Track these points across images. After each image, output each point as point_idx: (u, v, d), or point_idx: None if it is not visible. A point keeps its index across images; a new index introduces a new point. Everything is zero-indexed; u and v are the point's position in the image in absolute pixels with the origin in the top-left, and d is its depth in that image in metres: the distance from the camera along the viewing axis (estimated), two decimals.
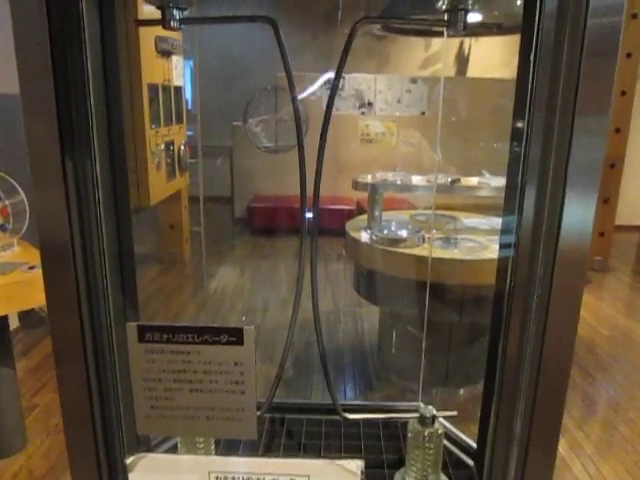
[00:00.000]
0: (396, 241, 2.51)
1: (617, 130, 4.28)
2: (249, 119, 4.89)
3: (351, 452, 1.16)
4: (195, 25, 1.11)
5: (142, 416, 0.82)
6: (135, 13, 2.53)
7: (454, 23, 0.84)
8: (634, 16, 4.02)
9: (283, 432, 1.23)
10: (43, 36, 0.75)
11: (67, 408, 0.91)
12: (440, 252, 2.42)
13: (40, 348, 3.19)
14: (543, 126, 0.80)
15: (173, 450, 1.08)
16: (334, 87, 0.99)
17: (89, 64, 0.77)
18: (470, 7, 0.82)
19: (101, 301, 0.89)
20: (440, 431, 1.03)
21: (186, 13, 0.90)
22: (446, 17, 0.85)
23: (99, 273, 0.89)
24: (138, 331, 0.78)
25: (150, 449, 1.09)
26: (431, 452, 1.03)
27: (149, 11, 1.00)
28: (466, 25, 0.84)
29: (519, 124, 0.87)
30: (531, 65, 0.79)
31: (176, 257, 4.65)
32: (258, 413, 1.08)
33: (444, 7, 0.83)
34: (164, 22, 0.84)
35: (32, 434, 2.44)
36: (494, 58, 5.71)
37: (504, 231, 0.96)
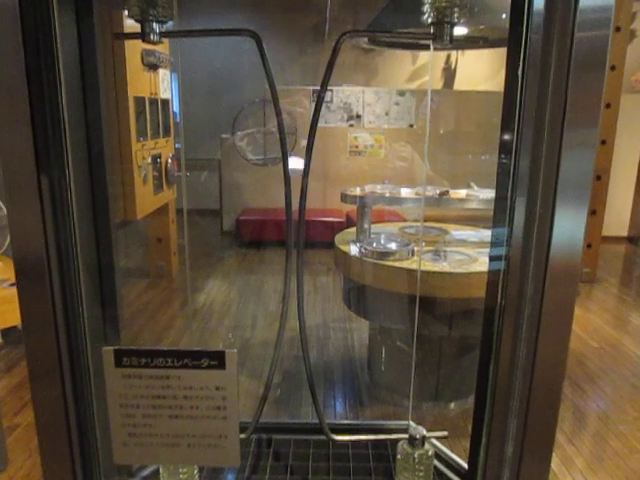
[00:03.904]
0: (385, 254, 2.49)
1: (603, 142, 4.32)
2: (237, 132, 4.88)
3: (340, 474, 1.13)
4: (179, 38, 1.09)
5: (119, 444, 0.78)
6: (121, 27, 2.52)
7: (440, 36, 0.83)
8: (618, 29, 4.08)
9: (270, 453, 1.20)
10: (17, 48, 0.72)
11: (43, 433, 0.87)
12: (429, 265, 2.41)
13: (23, 366, 3.11)
14: (532, 139, 0.79)
15: (155, 476, 1.05)
16: (320, 99, 0.97)
17: (62, 77, 0.75)
18: (456, 20, 0.81)
19: (78, 320, 0.86)
20: (430, 452, 1.01)
21: (168, 26, 0.88)
22: (432, 30, 0.84)
23: (76, 290, 0.86)
24: (115, 355, 0.75)
25: (131, 475, 1.05)
26: (421, 474, 1.01)
27: (133, 24, 0.98)
28: (452, 38, 0.83)
29: (507, 137, 0.86)
30: (519, 78, 0.78)
31: (163, 271, 4.59)
32: (244, 435, 1.05)
33: (430, 20, 0.82)
34: (144, 35, 0.82)
35: (13, 454, 2.36)
36: (481, 71, 5.77)
37: (494, 244, 0.95)
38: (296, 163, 1.06)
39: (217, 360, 0.74)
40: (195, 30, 0.87)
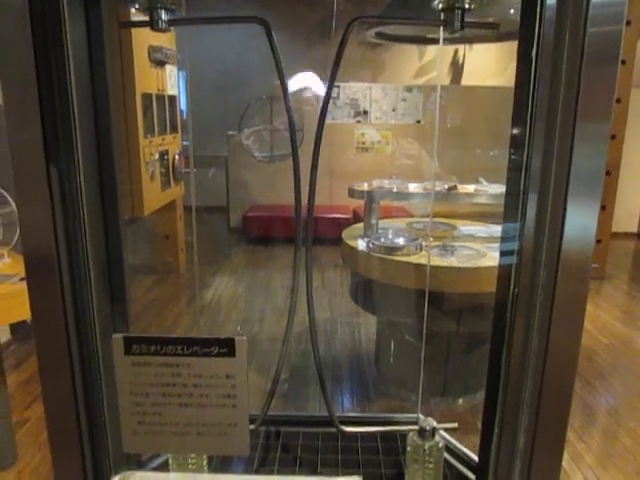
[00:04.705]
0: (393, 249, 2.48)
1: (612, 137, 4.28)
2: (244, 129, 4.88)
3: (349, 466, 1.12)
4: (185, 35, 1.09)
5: (129, 433, 0.78)
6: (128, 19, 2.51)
7: (451, 22, 0.82)
8: (628, 23, 4.04)
9: (278, 446, 1.20)
10: (26, 39, 0.72)
11: (53, 424, 0.88)
12: (437, 260, 2.40)
13: (32, 361, 3.13)
14: (544, 133, 0.78)
15: (164, 466, 1.05)
16: (328, 89, 0.96)
17: (72, 72, 0.74)
18: (467, 6, 0.80)
19: (88, 313, 0.86)
20: (440, 444, 1.00)
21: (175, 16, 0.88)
22: (442, 17, 0.83)
23: (86, 285, 0.86)
24: (124, 343, 0.75)
25: (140, 465, 1.05)
26: (431, 466, 1.00)
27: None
28: (463, 25, 0.82)
29: (518, 132, 0.85)
30: (531, 73, 0.77)
31: (171, 267, 4.61)
32: (252, 427, 1.05)
33: (440, 6, 0.81)
34: (151, 23, 0.81)
35: (23, 449, 2.38)
36: (488, 66, 5.73)
37: (505, 239, 0.94)
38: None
39: (227, 348, 0.74)
40: (202, 18, 0.86)
